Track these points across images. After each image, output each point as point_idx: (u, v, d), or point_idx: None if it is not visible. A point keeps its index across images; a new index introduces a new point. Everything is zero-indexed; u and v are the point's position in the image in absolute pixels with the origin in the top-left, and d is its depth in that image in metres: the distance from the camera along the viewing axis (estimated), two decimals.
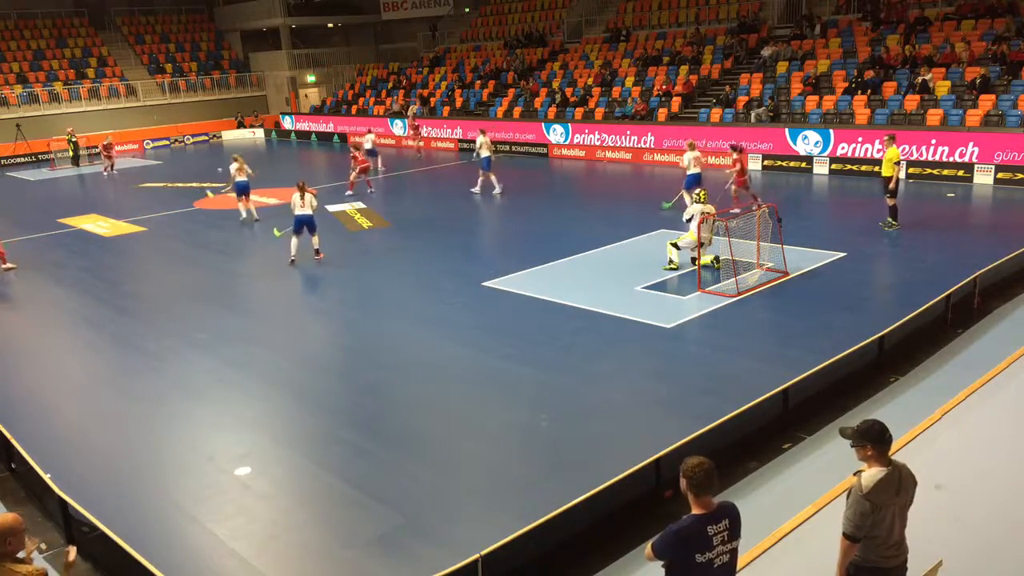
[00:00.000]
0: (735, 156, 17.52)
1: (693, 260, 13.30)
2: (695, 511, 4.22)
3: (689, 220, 13.34)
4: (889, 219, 15.63)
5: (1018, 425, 8.22)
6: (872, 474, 4.51)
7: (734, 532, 4.27)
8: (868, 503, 4.45)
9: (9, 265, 16.37)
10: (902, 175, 20.93)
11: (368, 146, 26.32)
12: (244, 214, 19.89)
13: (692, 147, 17.73)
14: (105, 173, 30.38)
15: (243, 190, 19.62)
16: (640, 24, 33.40)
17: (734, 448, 7.72)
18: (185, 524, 7.28)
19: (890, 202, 15.51)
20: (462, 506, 7.33)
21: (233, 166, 19.70)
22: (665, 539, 4.22)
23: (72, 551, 4.84)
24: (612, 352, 10.68)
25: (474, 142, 22.90)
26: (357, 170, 22.78)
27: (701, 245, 13.02)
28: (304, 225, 15.58)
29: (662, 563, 4.32)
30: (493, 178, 21.71)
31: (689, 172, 17.34)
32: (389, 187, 24.94)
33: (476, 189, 22.05)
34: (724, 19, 30.88)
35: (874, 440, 4.54)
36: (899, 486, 4.52)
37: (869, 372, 9.30)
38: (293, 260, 15.60)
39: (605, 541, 6.54)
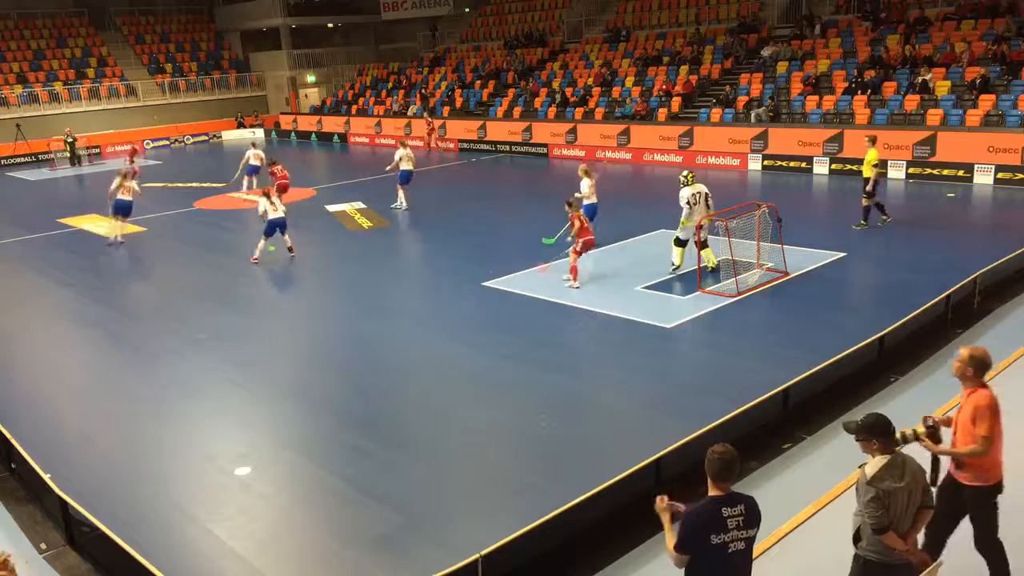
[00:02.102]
0: (571, 213, 13.38)
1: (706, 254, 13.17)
2: (711, 493, 4.34)
3: (687, 203, 13.09)
4: (884, 217, 15.68)
5: (1018, 425, 8.21)
6: (874, 462, 4.58)
7: (750, 520, 4.32)
8: (875, 490, 4.48)
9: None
10: (901, 175, 21.04)
11: (254, 163, 23.11)
12: (116, 236, 18.32)
13: (588, 173, 15.24)
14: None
15: (124, 210, 18.09)
16: (640, 24, 33.41)
17: (735, 448, 7.70)
18: (185, 524, 7.28)
19: (864, 202, 15.56)
20: (462, 506, 7.33)
21: (127, 183, 18.13)
22: (683, 528, 4.29)
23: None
24: (612, 352, 10.68)
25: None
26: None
27: (701, 227, 12.97)
28: (276, 228, 15.69)
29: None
30: (402, 193, 20.36)
31: (587, 202, 14.84)
32: (388, 187, 24.89)
33: (401, 205, 20.40)
34: (724, 19, 30.88)
35: (879, 434, 4.59)
36: (903, 471, 4.54)
37: (869, 372, 9.30)
38: (256, 260, 15.76)
39: (605, 541, 6.54)
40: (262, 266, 15.88)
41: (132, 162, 27.56)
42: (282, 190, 19.59)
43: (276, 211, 15.53)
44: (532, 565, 6.28)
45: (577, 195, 15.05)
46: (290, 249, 16.09)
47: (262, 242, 15.79)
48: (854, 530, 4.77)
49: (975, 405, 5.26)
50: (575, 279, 13.14)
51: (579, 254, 13.17)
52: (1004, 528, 6.51)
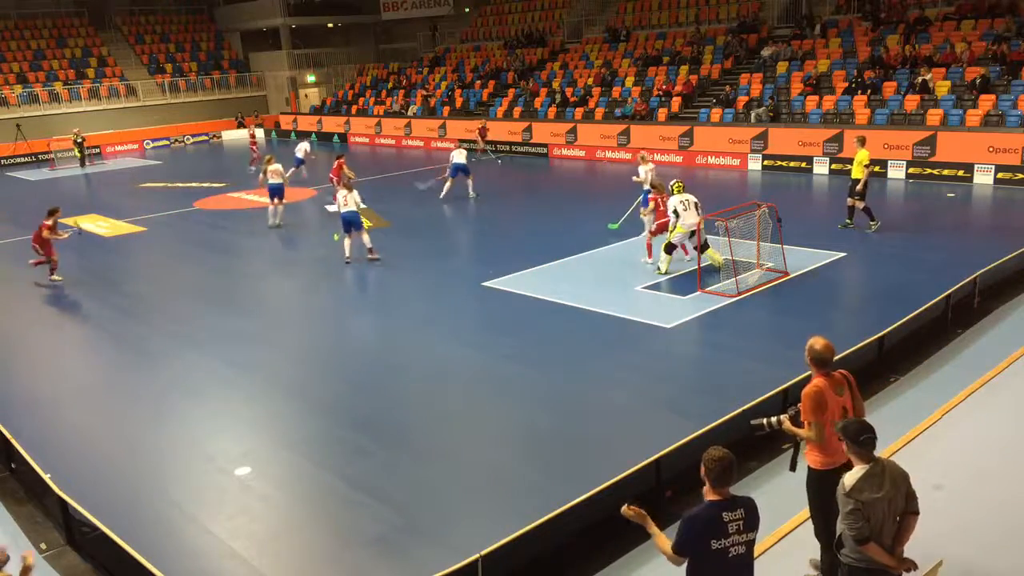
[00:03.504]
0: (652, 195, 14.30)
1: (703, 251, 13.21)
2: (710, 498, 4.29)
3: (674, 212, 13.12)
4: (848, 221, 15.65)
5: (1018, 425, 8.22)
6: (853, 472, 4.56)
7: (750, 523, 4.30)
8: (852, 501, 4.47)
9: (55, 277, 15.37)
10: (901, 175, 21.04)
11: (299, 155, 25.53)
12: (271, 218, 19.14)
13: (645, 160, 16.16)
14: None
15: (278, 193, 18.82)
16: (640, 24, 33.41)
17: (734, 448, 7.68)
18: (185, 524, 7.28)
19: (859, 204, 15.52)
20: (462, 506, 7.33)
21: (271, 167, 18.77)
22: (682, 530, 4.26)
23: (31, 555, 4.94)
24: (612, 352, 10.68)
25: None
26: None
27: (693, 234, 13.03)
28: (350, 224, 15.40)
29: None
30: (470, 181, 21.44)
31: (645, 187, 15.47)
32: (388, 187, 24.92)
33: (472, 192, 21.56)
34: (724, 19, 30.89)
35: (849, 439, 4.58)
36: (882, 481, 4.51)
37: (869, 372, 9.30)
38: (347, 259, 15.45)
39: (605, 541, 6.54)
40: (263, 267, 15.90)
41: (254, 146, 30.75)
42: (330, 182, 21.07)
43: (346, 205, 15.31)
44: (532, 565, 6.27)
45: (635, 179, 15.99)
46: (370, 251, 15.52)
47: (346, 240, 15.54)
48: (836, 537, 4.77)
49: (802, 393, 5.44)
50: (650, 257, 14.03)
51: (654, 234, 13.95)
52: (998, 524, 6.51)
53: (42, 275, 15.72)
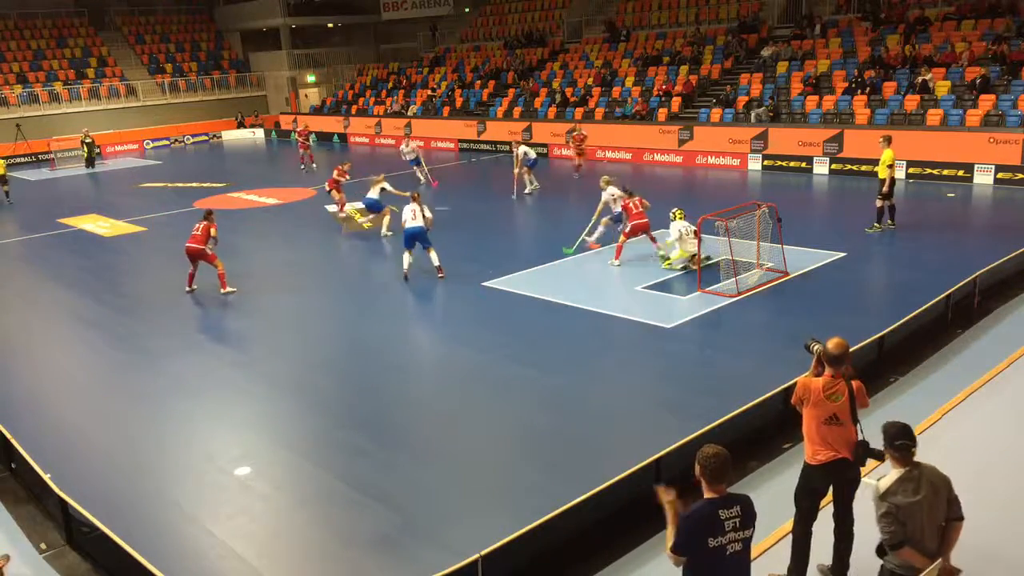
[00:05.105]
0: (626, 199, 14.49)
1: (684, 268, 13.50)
2: (707, 495, 4.29)
3: (678, 236, 13.47)
4: (889, 221, 15.60)
5: (1018, 425, 8.22)
6: (888, 476, 4.56)
7: (746, 521, 4.30)
8: (884, 505, 4.47)
9: (230, 289, 14.07)
10: (901, 175, 21.01)
11: (411, 157, 24.79)
12: (384, 229, 17.92)
13: (609, 183, 15.26)
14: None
15: (372, 207, 17.79)
16: (640, 24, 33.42)
17: (734, 448, 7.68)
18: (185, 524, 7.28)
19: (879, 203, 15.46)
20: (462, 506, 7.33)
21: (378, 185, 17.59)
22: (679, 531, 4.26)
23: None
24: (612, 352, 10.69)
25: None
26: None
27: (693, 257, 13.26)
28: (415, 239, 14.02)
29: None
30: (527, 177, 22.52)
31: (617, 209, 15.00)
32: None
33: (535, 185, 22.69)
34: (724, 19, 30.89)
35: (886, 442, 4.61)
36: (918, 485, 4.49)
37: (869, 372, 9.29)
38: (405, 275, 14.12)
39: (605, 541, 6.54)
40: (262, 267, 15.88)
41: (304, 147, 29.71)
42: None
43: (415, 220, 13.95)
44: (532, 565, 6.27)
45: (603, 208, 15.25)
46: (438, 269, 14.14)
47: (406, 255, 14.13)
48: (878, 544, 4.76)
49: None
50: (617, 258, 14.20)
51: (628, 237, 14.17)
52: (999, 525, 6.50)
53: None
